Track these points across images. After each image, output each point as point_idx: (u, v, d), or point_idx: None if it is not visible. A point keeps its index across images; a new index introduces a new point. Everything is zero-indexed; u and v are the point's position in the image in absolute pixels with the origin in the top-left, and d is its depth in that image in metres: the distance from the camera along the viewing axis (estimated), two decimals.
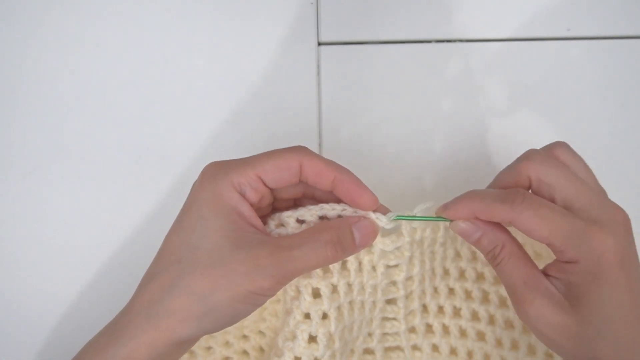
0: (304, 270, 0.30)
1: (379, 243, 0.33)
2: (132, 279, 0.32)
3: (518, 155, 0.44)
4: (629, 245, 0.30)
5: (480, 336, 0.38)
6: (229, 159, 0.32)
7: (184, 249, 0.29)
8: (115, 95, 0.44)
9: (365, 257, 0.33)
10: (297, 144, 0.32)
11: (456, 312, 0.39)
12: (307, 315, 0.33)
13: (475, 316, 0.38)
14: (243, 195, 0.30)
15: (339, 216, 0.32)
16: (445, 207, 0.32)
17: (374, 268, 0.34)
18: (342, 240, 0.30)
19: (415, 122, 0.46)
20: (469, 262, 0.38)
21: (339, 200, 0.33)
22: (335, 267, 0.33)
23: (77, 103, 0.44)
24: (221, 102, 0.45)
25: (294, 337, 0.32)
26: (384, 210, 0.33)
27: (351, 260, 0.33)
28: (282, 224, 0.32)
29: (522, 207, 0.29)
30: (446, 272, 0.39)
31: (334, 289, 0.33)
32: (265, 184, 0.31)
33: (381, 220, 0.32)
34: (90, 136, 0.44)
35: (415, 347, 0.39)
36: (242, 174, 0.30)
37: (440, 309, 0.39)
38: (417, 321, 0.38)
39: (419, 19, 0.46)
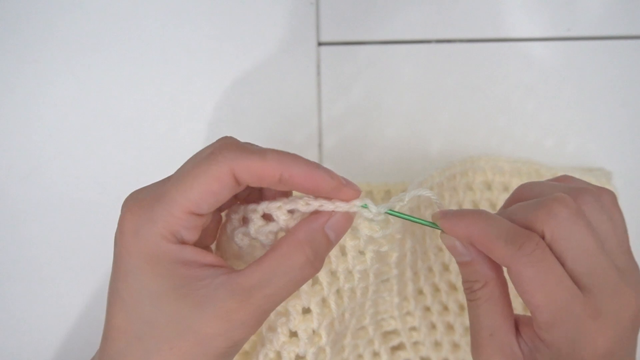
0: (280, 303, 0.26)
1: (366, 229, 0.28)
2: None
3: (518, 156, 0.45)
4: (625, 349, 0.25)
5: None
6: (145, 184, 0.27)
7: (138, 323, 0.25)
8: (115, 95, 0.44)
9: (349, 241, 0.29)
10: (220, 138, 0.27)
11: (452, 286, 0.38)
12: (287, 310, 0.30)
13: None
14: (181, 241, 0.25)
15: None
16: (445, 215, 0.27)
17: (361, 253, 0.30)
18: (318, 251, 0.26)
19: (415, 122, 0.46)
20: None
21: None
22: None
23: (77, 103, 0.44)
24: (221, 102, 0.45)
25: (275, 330, 0.30)
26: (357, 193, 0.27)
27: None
28: (247, 219, 0.28)
29: (526, 260, 0.24)
30: (440, 249, 0.38)
31: (315, 279, 0.30)
32: (199, 214, 0.25)
33: (370, 212, 0.27)
34: (91, 136, 0.44)
35: (412, 329, 0.38)
36: (170, 220, 0.24)
37: (437, 288, 0.38)
38: (411, 306, 0.38)
39: (419, 19, 0.46)
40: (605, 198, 0.27)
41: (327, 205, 0.27)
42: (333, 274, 0.30)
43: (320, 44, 0.45)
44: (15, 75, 0.44)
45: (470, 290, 0.28)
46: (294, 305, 0.30)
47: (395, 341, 0.38)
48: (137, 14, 0.45)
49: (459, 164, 0.38)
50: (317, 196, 0.27)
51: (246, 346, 0.34)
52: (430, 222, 0.28)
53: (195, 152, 0.44)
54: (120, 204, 0.43)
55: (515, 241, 0.25)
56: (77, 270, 0.43)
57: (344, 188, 0.27)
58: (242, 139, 0.44)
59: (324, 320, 0.30)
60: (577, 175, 0.30)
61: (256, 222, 0.27)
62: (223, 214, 0.30)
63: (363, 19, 0.45)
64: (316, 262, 0.26)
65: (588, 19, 0.46)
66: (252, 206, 0.27)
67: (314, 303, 0.30)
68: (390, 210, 0.28)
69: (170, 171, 0.44)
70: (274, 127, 0.45)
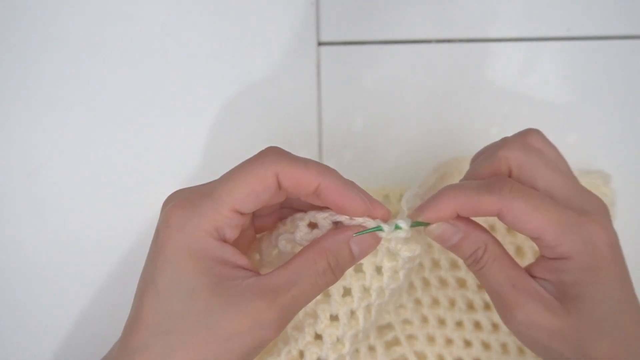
0: (303, 306, 0.28)
1: (406, 252, 0.29)
2: (132, 278, 0.33)
3: None
4: (615, 235, 0.28)
5: (477, 326, 0.39)
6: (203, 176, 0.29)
7: (169, 317, 0.25)
8: (115, 95, 0.44)
9: (386, 263, 0.30)
10: (269, 146, 0.28)
11: (442, 282, 0.39)
12: (315, 313, 0.31)
13: (470, 306, 0.39)
14: (222, 239, 0.26)
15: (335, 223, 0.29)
16: (421, 209, 0.28)
17: (396, 272, 0.31)
18: (340, 262, 0.28)
19: (415, 122, 0.46)
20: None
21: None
22: (348, 269, 0.30)
23: (77, 103, 0.44)
24: (221, 102, 0.45)
25: (301, 329, 0.31)
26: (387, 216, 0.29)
27: (366, 264, 0.31)
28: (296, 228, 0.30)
29: (511, 196, 0.27)
30: (430, 245, 0.39)
31: (347, 291, 0.31)
32: (242, 213, 0.27)
33: (404, 231, 0.29)
34: (91, 136, 0.44)
35: (405, 322, 0.39)
36: (216, 217, 0.26)
37: (436, 301, 0.39)
38: (409, 314, 0.38)
39: (419, 19, 0.46)
40: (540, 134, 0.31)
41: (369, 223, 0.28)
42: (366, 290, 0.31)
43: (320, 44, 0.45)
44: (15, 75, 0.44)
45: (476, 261, 0.29)
46: (323, 309, 0.31)
47: (389, 335, 0.39)
48: (137, 14, 0.45)
49: (445, 165, 0.39)
50: (346, 213, 0.28)
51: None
52: (420, 223, 0.29)
53: (195, 152, 0.44)
54: (120, 204, 0.44)
55: (494, 187, 0.27)
56: (78, 270, 0.44)
57: (374, 211, 0.29)
58: (241, 139, 0.45)
59: (349, 330, 0.31)
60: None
61: (302, 229, 0.29)
62: (258, 235, 0.32)
63: (363, 19, 0.45)
64: (336, 270, 0.28)
65: (588, 19, 0.46)
66: (299, 215, 0.29)
67: (342, 312, 0.30)
68: (413, 222, 0.29)
69: (170, 171, 0.44)
70: (274, 127, 0.45)
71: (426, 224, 0.29)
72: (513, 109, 0.46)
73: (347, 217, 0.28)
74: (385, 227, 0.29)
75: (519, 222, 0.27)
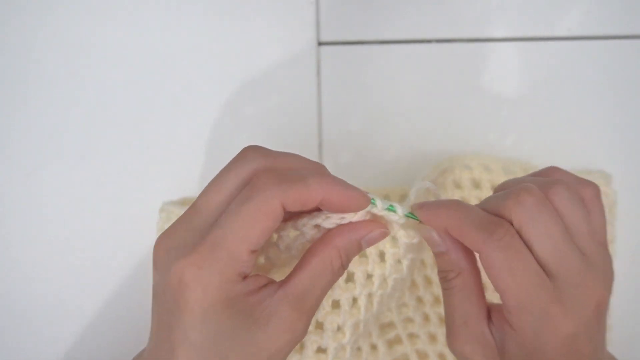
0: (321, 302, 0.28)
1: (403, 237, 0.30)
2: (132, 279, 0.32)
3: (516, 157, 0.45)
4: (589, 333, 0.26)
5: None
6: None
7: None
8: (115, 95, 0.44)
9: (389, 248, 0.31)
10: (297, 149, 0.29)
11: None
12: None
13: None
14: (244, 277, 0.26)
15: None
16: (422, 206, 0.29)
17: (398, 262, 0.31)
18: (350, 257, 0.28)
19: (415, 122, 0.46)
20: None
21: None
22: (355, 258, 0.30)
23: (77, 103, 0.44)
24: (221, 102, 0.45)
25: None
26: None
27: (369, 249, 0.31)
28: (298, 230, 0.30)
29: (495, 245, 0.26)
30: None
31: (349, 277, 0.31)
32: (257, 250, 0.26)
33: (396, 214, 0.29)
34: (91, 136, 0.44)
35: (407, 320, 0.39)
36: (236, 265, 0.25)
37: (437, 299, 0.39)
38: (411, 313, 0.38)
39: (419, 18, 0.46)
40: (585, 191, 0.28)
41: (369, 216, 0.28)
42: (369, 277, 0.31)
43: (320, 44, 0.45)
44: (15, 75, 0.44)
45: (445, 280, 0.29)
46: (326, 297, 0.30)
47: (391, 334, 0.39)
48: (137, 14, 0.45)
49: (447, 161, 0.39)
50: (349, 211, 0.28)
51: None
52: (410, 214, 0.29)
53: (195, 152, 0.44)
54: (120, 204, 0.44)
55: (487, 228, 0.26)
56: (78, 270, 0.43)
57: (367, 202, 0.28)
58: (241, 139, 0.45)
59: (350, 318, 0.31)
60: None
61: (309, 230, 0.29)
62: None
63: (363, 19, 0.45)
64: (346, 265, 0.28)
65: (588, 19, 0.46)
66: (302, 221, 0.29)
67: (344, 298, 0.30)
68: (409, 213, 0.29)
69: (170, 171, 0.44)
70: (274, 126, 0.45)
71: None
72: (513, 109, 0.46)
73: (352, 214, 0.28)
74: (378, 202, 0.28)
75: (490, 273, 0.26)
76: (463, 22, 0.46)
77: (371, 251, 0.31)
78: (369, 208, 0.28)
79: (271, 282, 0.27)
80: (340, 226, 0.28)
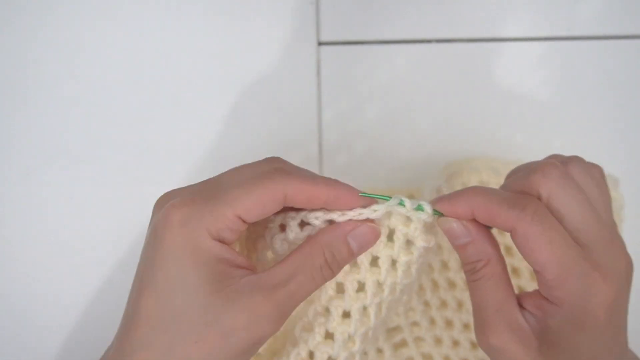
0: (301, 301, 0.27)
1: (422, 241, 0.29)
2: (132, 278, 0.32)
3: (518, 157, 0.45)
4: (624, 299, 0.27)
5: None
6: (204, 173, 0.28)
7: (168, 314, 0.25)
8: (115, 95, 0.44)
9: (402, 257, 0.30)
10: (272, 155, 0.29)
11: (451, 283, 0.39)
12: (327, 310, 0.30)
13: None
14: (222, 241, 0.26)
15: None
16: (441, 199, 0.28)
17: (409, 267, 0.31)
18: (337, 257, 0.28)
19: (415, 122, 0.46)
20: None
21: None
22: (363, 262, 0.30)
23: (77, 103, 0.44)
24: (221, 102, 0.45)
25: (311, 330, 0.30)
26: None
27: (382, 258, 0.30)
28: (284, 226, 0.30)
29: (531, 219, 0.25)
30: (440, 247, 0.38)
31: (361, 287, 0.30)
32: (244, 221, 0.27)
33: (422, 213, 0.28)
34: (91, 136, 0.44)
35: (414, 324, 0.39)
36: (220, 219, 0.26)
37: (444, 303, 0.39)
38: (417, 317, 0.38)
39: (419, 19, 0.46)
40: (593, 170, 0.29)
41: (362, 216, 0.28)
42: (379, 285, 0.30)
43: (320, 44, 0.45)
44: (15, 75, 0.44)
45: (473, 271, 0.28)
46: (336, 306, 0.30)
47: (397, 337, 0.38)
48: (137, 14, 0.45)
49: (455, 164, 0.39)
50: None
51: (275, 347, 0.35)
52: (435, 211, 0.28)
53: (195, 152, 0.44)
54: (120, 204, 0.43)
55: (518, 204, 0.26)
56: (78, 270, 0.43)
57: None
58: (242, 139, 0.45)
59: (361, 327, 0.30)
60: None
61: (294, 228, 0.29)
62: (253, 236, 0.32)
63: (363, 19, 0.45)
64: (333, 266, 0.28)
65: (588, 19, 0.46)
66: (291, 214, 0.29)
67: (355, 308, 0.30)
68: (433, 210, 0.28)
69: (170, 171, 0.44)
70: (274, 126, 0.45)
71: (441, 215, 0.28)
72: (513, 109, 0.46)
73: (340, 213, 0.28)
74: (407, 202, 0.28)
75: (527, 248, 0.26)
76: (463, 22, 0.46)
77: (384, 261, 0.30)
78: (398, 209, 0.28)
79: (250, 267, 0.27)
80: (327, 226, 0.28)
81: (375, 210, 0.28)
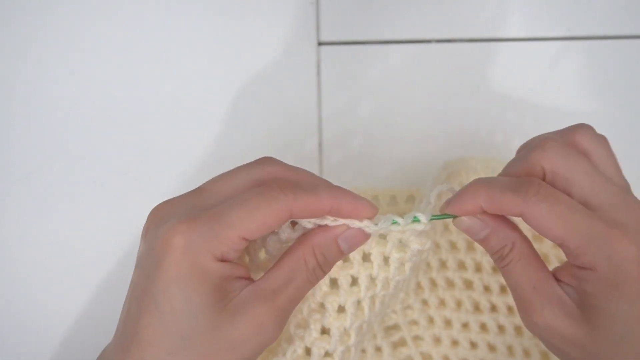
0: (298, 302, 0.28)
1: (416, 244, 0.30)
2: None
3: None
4: None
5: (483, 327, 0.39)
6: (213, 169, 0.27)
7: (173, 337, 0.25)
8: (115, 95, 0.44)
9: (394, 254, 0.30)
10: (264, 156, 0.29)
11: (449, 283, 0.39)
12: (322, 306, 0.31)
13: (477, 307, 0.39)
14: (225, 260, 0.26)
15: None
16: (449, 202, 0.28)
17: (403, 264, 0.31)
18: (328, 258, 0.28)
19: (416, 122, 0.46)
20: (467, 253, 0.38)
21: None
22: (356, 258, 0.30)
23: (77, 103, 0.44)
24: (221, 102, 0.45)
25: (306, 326, 0.31)
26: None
27: (374, 254, 0.30)
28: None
29: (536, 199, 0.26)
30: (438, 246, 0.39)
31: (354, 281, 0.31)
32: (248, 240, 0.27)
33: (421, 224, 0.29)
34: (91, 136, 0.44)
35: (412, 322, 0.39)
36: (224, 242, 0.25)
37: (442, 302, 0.39)
38: (416, 315, 0.38)
39: (419, 19, 0.46)
40: (589, 131, 0.29)
41: (355, 223, 0.28)
42: (372, 280, 0.31)
43: (320, 44, 0.45)
44: (15, 75, 0.44)
45: (501, 258, 0.28)
46: (331, 301, 0.30)
47: (396, 336, 0.39)
48: (137, 14, 0.45)
49: (453, 163, 0.39)
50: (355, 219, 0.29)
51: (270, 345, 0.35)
52: (446, 215, 0.29)
53: (195, 152, 0.44)
54: (119, 204, 0.43)
55: (521, 188, 0.26)
56: (78, 270, 0.43)
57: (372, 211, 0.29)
58: (242, 139, 0.45)
59: (356, 321, 0.31)
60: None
61: (285, 229, 0.29)
62: None
63: (363, 19, 0.45)
64: (325, 267, 0.28)
65: (588, 19, 0.46)
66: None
67: (349, 302, 0.30)
68: (433, 215, 0.29)
69: (170, 171, 0.44)
70: (274, 126, 0.45)
71: (454, 216, 0.29)
72: (513, 109, 0.46)
73: (332, 219, 0.28)
74: (400, 220, 0.29)
75: (541, 227, 0.26)
76: (463, 22, 0.46)
77: (376, 257, 0.30)
78: (392, 228, 0.29)
79: (248, 277, 0.27)
80: (317, 227, 0.28)
81: (367, 226, 0.28)
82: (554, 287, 0.27)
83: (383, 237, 0.30)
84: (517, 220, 0.29)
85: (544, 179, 0.28)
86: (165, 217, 0.27)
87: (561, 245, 0.27)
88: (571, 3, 0.46)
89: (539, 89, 0.46)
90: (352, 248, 0.29)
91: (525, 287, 0.28)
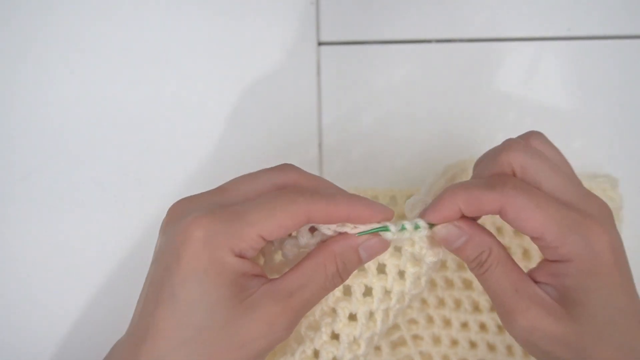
0: (312, 307, 0.28)
1: (431, 257, 0.30)
2: (132, 279, 0.32)
3: None
4: (618, 239, 0.28)
5: (483, 327, 0.39)
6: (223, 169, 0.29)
7: (188, 329, 0.26)
8: (115, 95, 0.44)
9: (410, 268, 0.30)
10: (284, 162, 0.29)
11: (448, 282, 0.39)
12: (334, 311, 0.31)
13: (476, 307, 0.39)
14: (243, 257, 0.27)
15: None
16: (427, 210, 0.29)
17: (419, 278, 0.31)
18: (347, 266, 0.29)
19: (416, 122, 0.46)
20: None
21: None
22: (370, 267, 0.30)
23: (77, 103, 0.44)
24: (221, 102, 0.45)
25: (317, 328, 0.31)
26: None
27: (389, 266, 0.31)
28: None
29: (514, 192, 0.26)
30: (442, 264, 0.39)
31: (368, 291, 0.31)
32: (265, 240, 0.27)
33: (422, 230, 0.29)
34: (91, 136, 0.44)
35: (411, 321, 0.39)
36: (243, 239, 0.26)
37: (441, 301, 0.39)
38: (415, 315, 0.38)
39: (419, 19, 0.46)
40: (543, 137, 0.31)
41: (373, 225, 0.29)
42: (387, 292, 0.31)
43: (320, 44, 0.45)
44: (15, 75, 0.44)
45: (479, 265, 0.29)
46: (343, 307, 0.30)
47: (395, 335, 0.39)
48: (137, 14, 0.45)
49: (454, 166, 0.39)
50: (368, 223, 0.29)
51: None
52: (430, 224, 0.29)
53: (195, 152, 0.44)
54: (119, 204, 0.43)
55: (497, 184, 0.27)
56: (78, 270, 0.43)
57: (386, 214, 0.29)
58: (242, 139, 0.45)
59: (366, 331, 0.30)
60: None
61: (304, 234, 0.29)
62: None
63: (363, 19, 0.45)
64: (344, 274, 0.29)
65: (588, 19, 0.46)
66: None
67: (361, 312, 0.30)
68: (431, 224, 0.29)
69: (170, 171, 0.44)
70: (274, 127, 0.45)
71: (433, 225, 0.29)
72: (513, 109, 0.46)
73: (352, 226, 0.29)
74: (407, 225, 0.29)
75: (520, 219, 0.27)
76: (463, 22, 0.46)
77: (391, 270, 0.30)
78: (399, 235, 0.29)
79: (264, 275, 0.28)
80: (338, 234, 0.29)
81: (384, 233, 0.29)
82: (534, 289, 0.28)
83: (397, 249, 0.30)
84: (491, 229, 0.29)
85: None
86: (186, 211, 0.27)
87: (538, 239, 0.27)
88: (571, 3, 0.46)
89: (539, 89, 0.46)
90: (371, 257, 0.29)
91: (507, 290, 0.28)
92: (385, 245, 0.29)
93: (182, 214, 0.27)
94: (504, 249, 0.29)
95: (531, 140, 0.30)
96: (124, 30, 0.44)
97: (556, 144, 0.46)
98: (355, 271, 0.30)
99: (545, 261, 0.28)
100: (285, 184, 0.29)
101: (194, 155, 0.44)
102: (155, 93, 0.45)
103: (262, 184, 0.28)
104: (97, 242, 0.44)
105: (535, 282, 0.28)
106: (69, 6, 0.44)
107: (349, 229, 0.28)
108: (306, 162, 0.45)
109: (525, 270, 0.29)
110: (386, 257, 0.30)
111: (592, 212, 0.27)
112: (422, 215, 0.29)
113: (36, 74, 0.44)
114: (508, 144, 0.29)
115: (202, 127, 0.45)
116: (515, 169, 0.28)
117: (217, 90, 0.45)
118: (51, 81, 0.44)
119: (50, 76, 0.44)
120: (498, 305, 0.29)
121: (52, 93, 0.44)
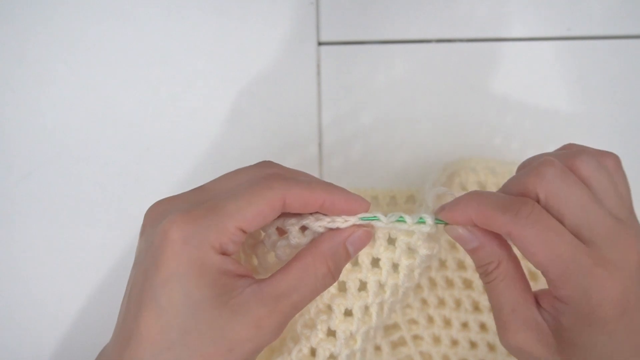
0: (302, 309, 0.28)
1: (425, 249, 0.30)
2: None
3: (519, 157, 0.44)
4: (630, 293, 0.26)
5: (483, 327, 0.39)
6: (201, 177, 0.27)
7: (172, 332, 0.25)
8: (115, 95, 0.44)
9: (404, 261, 0.30)
10: (264, 159, 0.29)
11: (449, 282, 0.39)
12: (329, 308, 0.31)
13: (476, 307, 0.39)
14: (225, 253, 0.26)
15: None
16: (443, 208, 0.28)
17: (412, 271, 0.31)
18: (338, 264, 0.28)
19: (416, 122, 0.46)
20: (466, 253, 0.38)
21: None
22: (364, 262, 0.30)
23: (77, 103, 0.44)
24: (221, 102, 0.45)
25: (313, 326, 0.31)
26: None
27: (383, 260, 0.30)
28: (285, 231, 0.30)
29: (525, 221, 0.25)
30: (442, 264, 0.39)
31: (362, 286, 0.31)
32: (245, 232, 0.26)
33: (427, 225, 0.28)
34: (90, 136, 0.44)
35: (411, 321, 0.39)
36: (223, 233, 0.25)
37: (441, 301, 0.39)
38: (415, 314, 0.38)
39: (419, 18, 0.46)
40: (607, 160, 0.28)
41: (351, 220, 0.28)
42: (381, 286, 0.31)
43: (320, 44, 0.45)
44: (15, 75, 0.44)
45: (485, 274, 0.28)
46: (338, 304, 0.30)
47: (395, 335, 0.39)
48: (137, 14, 0.45)
49: (453, 164, 0.39)
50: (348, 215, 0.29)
51: (273, 344, 0.34)
52: (439, 220, 0.29)
53: (195, 152, 0.44)
54: (119, 204, 0.43)
55: (512, 208, 0.26)
56: (77, 270, 0.43)
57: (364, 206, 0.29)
58: (242, 139, 0.45)
59: (362, 326, 0.30)
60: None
61: (295, 234, 0.29)
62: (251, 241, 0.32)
63: (363, 19, 0.45)
64: (335, 273, 0.28)
65: (588, 19, 0.46)
66: (291, 220, 0.29)
67: (357, 307, 0.30)
68: (437, 219, 0.29)
69: (170, 171, 0.44)
70: (274, 126, 0.45)
71: (446, 223, 0.29)
72: (513, 109, 0.46)
73: (343, 220, 0.28)
74: (407, 218, 0.29)
75: (526, 250, 0.26)
76: (463, 22, 0.46)
77: (385, 263, 0.30)
78: (398, 226, 0.29)
79: (251, 276, 0.27)
80: (325, 232, 0.29)
81: (376, 221, 0.29)
82: (532, 312, 0.27)
83: (392, 242, 0.30)
84: None
85: (538, 202, 0.27)
86: (164, 213, 0.27)
87: (542, 273, 0.26)
88: (571, 3, 0.46)
89: (539, 89, 0.46)
90: (357, 250, 0.29)
91: (504, 307, 0.28)
92: (369, 235, 0.29)
93: (161, 216, 0.26)
94: (516, 263, 0.28)
95: (576, 161, 0.27)
96: (124, 30, 0.44)
97: (556, 144, 0.46)
98: (350, 267, 0.30)
99: (549, 290, 0.27)
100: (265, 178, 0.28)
101: (193, 155, 0.44)
102: (155, 93, 0.45)
103: (241, 181, 0.28)
104: (97, 241, 0.44)
105: (539, 305, 0.28)
106: (69, 6, 0.44)
107: (340, 223, 0.28)
108: (306, 161, 0.45)
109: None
110: (381, 251, 0.30)
111: (611, 258, 0.25)
112: (437, 211, 0.29)
113: (36, 74, 0.44)
114: (539, 168, 0.27)
115: (202, 126, 0.45)
116: (540, 197, 0.26)
117: (217, 90, 0.45)
118: (51, 81, 0.44)
119: (50, 76, 0.44)
120: (494, 316, 0.29)
121: (52, 93, 0.44)
